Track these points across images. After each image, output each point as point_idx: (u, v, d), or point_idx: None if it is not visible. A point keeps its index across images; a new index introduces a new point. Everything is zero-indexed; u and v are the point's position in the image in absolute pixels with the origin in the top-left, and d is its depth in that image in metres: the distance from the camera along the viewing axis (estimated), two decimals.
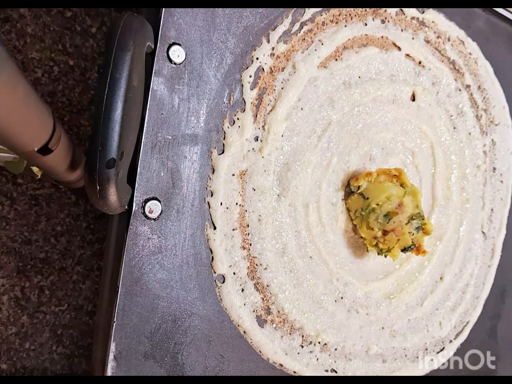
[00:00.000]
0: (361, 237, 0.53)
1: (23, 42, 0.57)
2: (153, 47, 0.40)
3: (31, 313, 0.51)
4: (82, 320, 0.54)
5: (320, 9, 0.50)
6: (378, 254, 0.53)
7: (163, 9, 0.41)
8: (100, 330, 0.50)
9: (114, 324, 0.40)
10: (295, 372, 0.50)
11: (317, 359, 0.52)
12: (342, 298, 0.53)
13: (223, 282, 0.46)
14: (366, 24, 0.54)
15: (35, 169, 0.53)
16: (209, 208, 0.45)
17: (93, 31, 0.62)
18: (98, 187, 0.34)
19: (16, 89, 0.26)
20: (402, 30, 0.57)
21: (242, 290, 0.47)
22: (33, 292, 0.51)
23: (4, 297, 0.53)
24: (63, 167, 0.42)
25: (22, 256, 0.54)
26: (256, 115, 0.47)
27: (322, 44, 0.51)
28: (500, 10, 0.65)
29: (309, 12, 0.50)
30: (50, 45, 0.58)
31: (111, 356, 0.40)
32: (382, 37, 0.55)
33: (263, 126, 0.48)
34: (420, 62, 0.58)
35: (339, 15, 0.52)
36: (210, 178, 0.45)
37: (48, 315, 0.53)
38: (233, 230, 0.46)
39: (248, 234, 0.47)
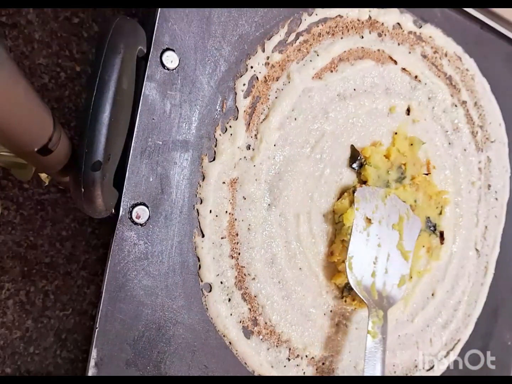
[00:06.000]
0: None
1: (31, 48, 0.57)
2: (145, 51, 0.40)
3: (35, 318, 0.51)
4: (86, 325, 0.54)
5: (317, 20, 0.50)
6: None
7: (158, 14, 0.41)
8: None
9: (97, 330, 0.40)
10: None
11: (304, 372, 0.51)
12: (331, 311, 0.53)
13: (210, 291, 0.45)
14: (362, 37, 0.54)
15: (43, 175, 0.53)
16: (198, 215, 0.45)
17: None
18: (82, 190, 0.34)
19: (16, 89, 0.26)
20: (399, 44, 0.57)
21: (229, 300, 0.46)
22: (38, 297, 0.51)
23: (9, 301, 0.52)
24: (63, 167, 0.41)
25: (28, 260, 0.53)
26: (249, 123, 0.47)
27: (318, 55, 0.50)
28: (498, 28, 0.65)
29: (305, 22, 0.50)
30: (57, 51, 0.58)
31: (92, 363, 0.40)
32: (378, 50, 0.55)
33: (255, 135, 0.47)
34: (416, 77, 0.58)
35: (336, 26, 0.52)
36: (200, 185, 0.45)
37: (53, 319, 0.53)
38: (222, 238, 0.46)
39: (237, 243, 0.47)
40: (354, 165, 0.54)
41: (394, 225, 0.55)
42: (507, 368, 0.69)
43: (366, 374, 0.49)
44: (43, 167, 0.36)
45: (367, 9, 0.54)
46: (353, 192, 0.52)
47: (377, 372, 0.49)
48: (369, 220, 0.53)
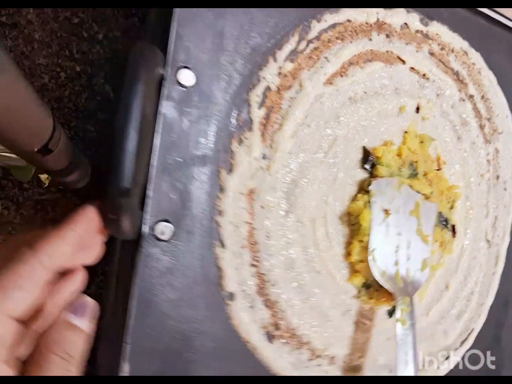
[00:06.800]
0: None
1: (31, 48, 0.58)
2: (164, 74, 0.40)
3: None
4: None
5: (326, 26, 0.51)
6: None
7: (172, 32, 0.42)
8: (103, 334, 0.51)
9: (127, 345, 0.41)
10: None
11: (326, 372, 0.52)
12: (349, 311, 0.54)
13: (233, 300, 0.46)
14: (371, 40, 0.54)
15: (43, 176, 0.53)
16: (218, 227, 0.46)
17: (100, 37, 0.62)
18: (112, 216, 0.34)
19: (16, 90, 0.26)
20: (406, 44, 0.57)
21: (251, 307, 0.48)
22: None
23: None
24: (63, 167, 0.42)
25: None
26: (264, 133, 0.48)
27: (328, 61, 0.51)
28: (503, 20, 0.65)
29: (315, 30, 0.50)
30: (57, 51, 0.59)
31: None
32: (387, 51, 0.55)
33: (270, 145, 0.48)
34: (424, 75, 0.59)
35: (345, 31, 0.52)
36: (219, 198, 0.46)
37: None
38: (242, 248, 0.47)
39: (257, 251, 0.48)
40: (366, 166, 0.54)
41: (411, 212, 0.57)
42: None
43: (399, 361, 0.50)
44: (43, 167, 0.37)
45: (375, 12, 0.54)
46: (368, 185, 0.54)
47: (409, 358, 0.50)
48: (386, 211, 0.55)
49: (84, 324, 0.35)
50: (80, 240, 0.35)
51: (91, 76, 0.61)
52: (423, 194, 0.58)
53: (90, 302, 0.36)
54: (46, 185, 0.54)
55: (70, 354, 0.33)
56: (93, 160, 0.60)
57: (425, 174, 0.58)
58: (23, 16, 0.57)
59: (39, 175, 0.54)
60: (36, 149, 0.31)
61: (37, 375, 0.31)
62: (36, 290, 0.32)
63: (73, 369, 0.33)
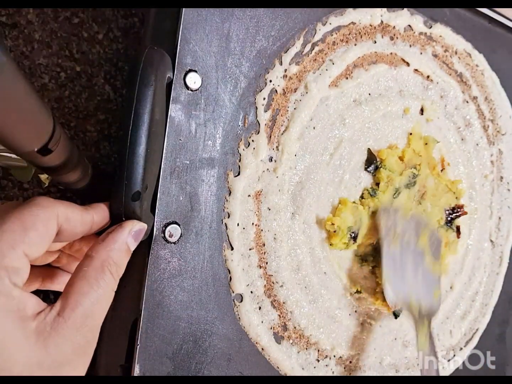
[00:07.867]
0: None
1: (31, 48, 0.58)
2: (172, 77, 0.41)
3: None
4: None
5: (331, 28, 0.51)
6: None
7: (179, 36, 0.42)
8: (104, 334, 0.51)
9: (138, 346, 0.41)
10: None
11: (333, 372, 0.53)
12: (356, 311, 0.54)
13: (241, 301, 0.47)
14: (375, 42, 0.55)
15: (43, 176, 0.53)
16: (226, 229, 0.46)
17: (100, 37, 0.63)
18: (124, 219, 0.35)
19: (16, 90, 0.26)
20: (410, 46, 0.57)
21: (260, 308, 0.48)
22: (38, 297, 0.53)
23: None
24: (63, 167, 0.42)
25: None
26: (270, 136, 0.48)
27: (333, 63, 0.51)
28: (506, 21, 0.65)
29: (320, 32, 0.51)
30: (57, 51, 0.59)
31: None
32: (391, 53, 0.56)
33: (277, 147, 0.49)
34: (428, 77, 0.59)
35: (349, 34, 0.53)
36: (227, 200, 0.46)
37: None
38: (250, 249, 0.47)
39: (264, 253, 0.48)
40: (370, 169, 0.55)
41: (419, 240, 0.57)
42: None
43: None
44: (43, 167, 0.37)
45: (379, 14, 0.54)
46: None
47: None
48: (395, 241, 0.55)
49: (134, 248, 0.36)
50: (91, 224, 0.36)
51: (91, 76, 0.62)
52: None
53: (144, 229, 0.37)
54: (46, 185, 0.54)
55: (119, 276, 0.34)
56: (93, 160, 0.61)
57: (422, 181, 0.59)
58: (23, 16, 0.58)
59: (39, 175, 0.54)
60: (36, 149, 0.31)
61: (88, 290, 0.32)
62: (47, 238, 0.32)
63: (115, 289, 0.34)
